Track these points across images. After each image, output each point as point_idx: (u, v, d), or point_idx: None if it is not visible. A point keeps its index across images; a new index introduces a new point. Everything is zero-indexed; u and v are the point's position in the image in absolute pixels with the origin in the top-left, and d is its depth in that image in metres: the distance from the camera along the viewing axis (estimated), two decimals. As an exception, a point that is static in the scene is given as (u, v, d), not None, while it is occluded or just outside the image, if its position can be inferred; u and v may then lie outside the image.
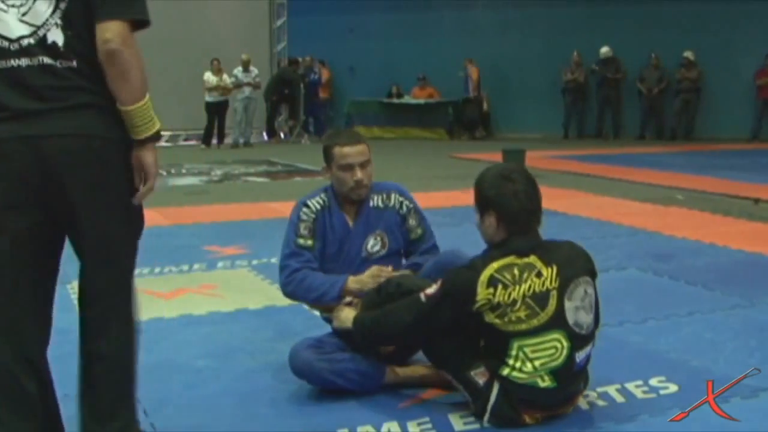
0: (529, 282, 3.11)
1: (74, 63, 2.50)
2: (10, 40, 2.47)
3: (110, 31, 2.45)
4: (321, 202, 3.75)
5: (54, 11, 2.48)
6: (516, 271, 3.11)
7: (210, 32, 17.56)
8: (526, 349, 3.10)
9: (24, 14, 2.47)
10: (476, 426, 3.17)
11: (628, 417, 3.26)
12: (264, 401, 3.41)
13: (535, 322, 3.09)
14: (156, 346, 4.18)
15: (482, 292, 3.08)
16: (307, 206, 3.73)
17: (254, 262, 6.06)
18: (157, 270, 5.86)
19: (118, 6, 2.48)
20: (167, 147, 17.50)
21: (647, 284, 5.42)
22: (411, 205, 3.82)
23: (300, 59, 18.94)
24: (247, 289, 5.36)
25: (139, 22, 2.54)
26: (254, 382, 3.64)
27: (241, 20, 18.27)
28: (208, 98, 16.65)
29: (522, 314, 3.08)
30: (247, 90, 17.15)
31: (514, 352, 3.10)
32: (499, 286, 3.08)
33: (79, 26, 2.49)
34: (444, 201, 8.62)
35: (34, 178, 2.50)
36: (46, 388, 2.88)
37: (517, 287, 3.09)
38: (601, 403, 3.39)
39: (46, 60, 2.48)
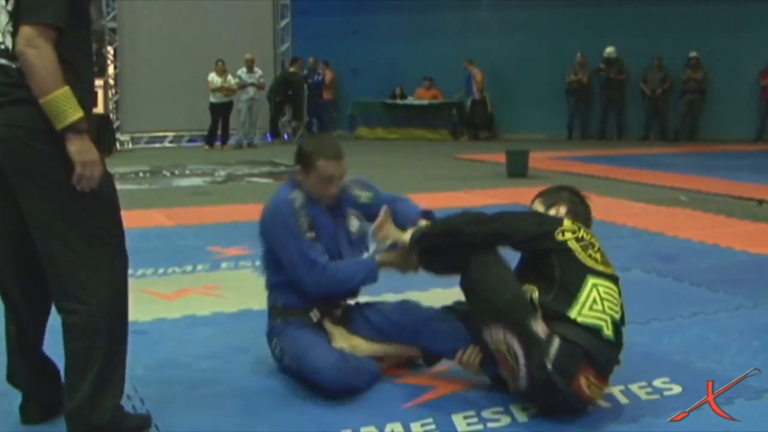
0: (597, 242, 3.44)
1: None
2: None
3: (20, 35, 2.78)
4: (300, 197, 3.70)
5: (8, 21, 2.86)
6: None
7: (214, 33, 17.57)
8: (600, 288, 3.25)
9: None
10: (480, 426, 3.18)
11: (631, 418, 3.26)
12: (268, 402, 3.41)
13: (608, 270, 3.36)
14: (159, 346, 4.19)
15: (568, 223, 3.43)
16: (291, 203, 3.67)
17: (257, 262, 6.00)
18: (160, 270, 5.86)
19: (27, 13, 2.78)
20: (171, 147, 17.55)
21: (651, 285, 5.42)
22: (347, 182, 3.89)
23: (301, 59, 18.91)
24: (251, 289, 5.34)
25: (54, 25, 2.79)
26: (258, 382, 3.64)
27: (245, 21, 18.28)
28: (213, 99, 16.66)
29: (598, 256, 3.36)
30: (251, 91, 17.16)
31: (588, 288, 3.23)
32: (582, 228, 3.44)
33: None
34: (448, 202, 8.60)
35: None
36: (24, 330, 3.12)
37: (593, 237, 3.45)
38: (604, 404, 3.38)
39: (2, 61, 2.87)
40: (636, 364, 3.79)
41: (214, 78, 16.53)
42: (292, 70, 18.36)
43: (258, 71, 17.28)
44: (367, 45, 19.85)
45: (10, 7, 2.85)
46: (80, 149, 2.81)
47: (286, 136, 19.06)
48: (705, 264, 5.99)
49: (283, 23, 19.32)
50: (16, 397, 3.21)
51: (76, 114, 2.79)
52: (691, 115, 17.95)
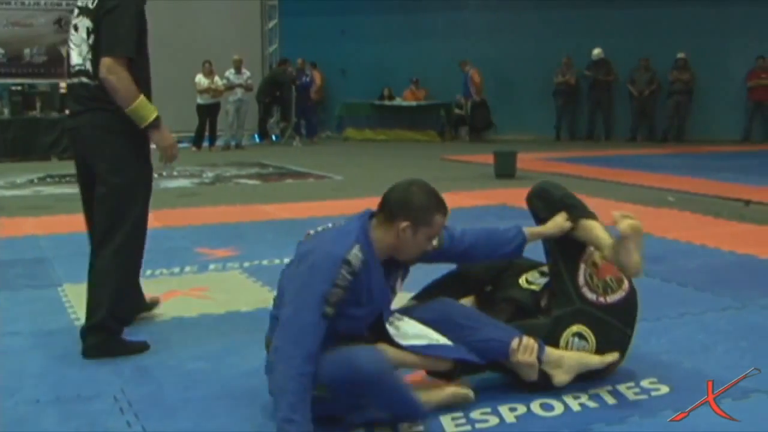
0: None
1: (96, 82, 4.06)
2: (72, 67, 4.19)
3: (102, 65, 3.98)
4: (360, 257, 3.11)
5: (88, 51, 4.10)
6: None
7: (202, 34, 17.53)
8: None
9: (79, 53, 4.15)
10: (468, 428, 3.18)
11: (619, 418, 3.26)
12: (256, 403, 3.39)
13: None
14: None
15: None
16: (349, 264, 3.07)
17: (246, 264, 6.06)
18: (148, 272, 5.82)
19: (109, 47, 4.00)
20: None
21: (639, 286, 5.39)
22: None
23: (289, 60, 18.89)
24: (239, 291, 5.35)
25: (127, 56, 4.02)
26: (246, 384, 3.63)
27: (233, 22, 18.24)
28: (200, 100, 16.62)
29: None
30: (239, 92, 17.13)
31: None
32: None
33: (97, 60, 4.03)
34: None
35: (78, 152, 4.28)
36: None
37: None
38: (592, 404, 3.39)
39: (84, 80, 4.14)
40: (624, 364, 3.79)
41: (201, 79, 16.49)
42: (283, 75, 18.33)
43: (246, 72, 17.25)
44: (355, 46, 19.85)
45: (91, 42, 4.08)
46: (160, 138, 4.23)
47: (273, 137, 19.05)
48: (692, 264, 6.00)
49: (271, 24, 19.30)
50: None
51: (152, 115, 4.10)
52: (679, 116, 18.01)
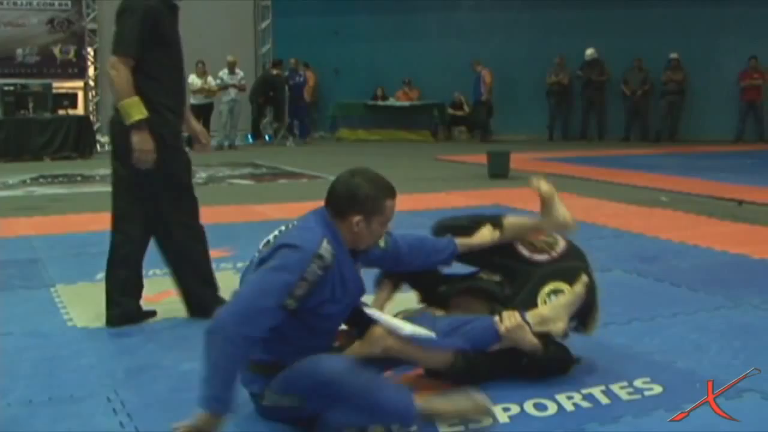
0: None
1: None
2: None
3: (108, 61, 4.57)
4: (331, 251, 3.07)
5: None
6: None
7: (195, 34, 17.42)
8: None
9: None
10: (461, 428, 3.17)
11: (612, 418, 3.26)
12: (250, 404, 3.39)
13: None
14: (140, 349, 4.18)
15: None
16: (321, 258, 3.03)
17: (239, 264, 6.04)
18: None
19: (113, 46, 4.41)
20: (152, 149, 17.47)
21: (632, 286, 5.43)
22: None
23: (283, 61, 18.87)
24: (232, 291, 5.34)
25: (127, 54, 4.34)
26: (239, 385, 3.62)
27: (226, 22, 18.23)
28: (193, 100, 16.56)
29: None
30: (232, 92, 17.13)
31: None
32: None
33: None
34: (429, 203, 8.64)
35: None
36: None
37: None
38: (585, 404, 3.39)
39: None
40: (617, 364, 3.80)
41: (194, 79, 16.48)
42: (275, 72, 18.32)
43: (239, 73, 17.23)
44: (348, 46, 19.83)
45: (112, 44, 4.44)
46: (138, 140, 4.33)
47: (267, 138, 19.04)
48: (685, 264, 6.02)
49: (264, 24, 19.29)
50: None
51: (138, 116, 4.30)
52: (672, 116, 18.04)
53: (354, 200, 3.15)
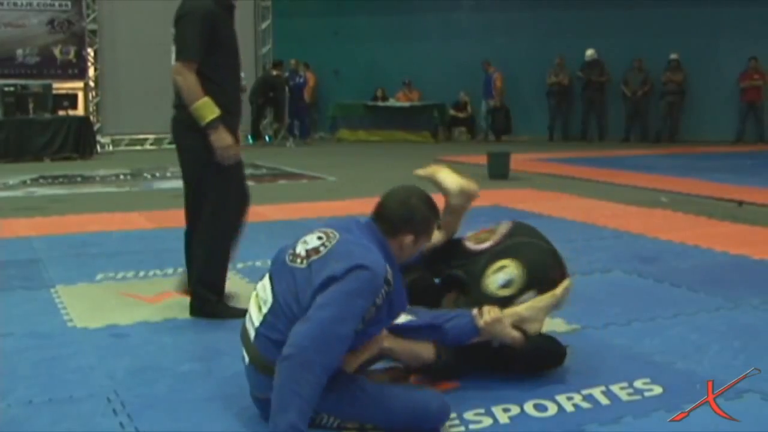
0: None
1: None
2: None
3: (173, 68, 4.53)
4: (392, 275, 3.07)
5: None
6: None
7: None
8: None
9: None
10: (461, 429, 3.18)
11: (612, 419, 3.26)
12: (250, 405, 3.39)
13: None
14: (140, 349, 4.18)
15: None
16: (389, 284, 3.03)
17: (239, 265, 6.04)
18: (141, 273, 5.84)
19: (177, 53, 4.54)
20: (152, 150, 17.48)
21: (632, 286, 5.44)
22: None
23: (283, 62, 18.86)
24: (232, 292, 5.34)
25: (192, 59, 4.49)
26: (240, 385, 3.61)
27: (226, 23, 18.21)
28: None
29: None
30: (232, 93, 17.09)
31: None
32: None
33: None
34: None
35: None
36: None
37: None
38: (585, 405, 3.39)
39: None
40: (617, 364, 3.81)
41: (194, 80, 16.45)
42: (275, 73, 18.31)
43: (239, 73, 17.21)
44: (349, 47, 19.83)
45: (175, 50, 4.56)
46: (216, 138, 4.47)
47: (267, 138, 19.03)
48: (686, 265, 6.02)
49: (264, 25, 19.26)
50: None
51: (211, 116, 4.44)
52: (672, 116, 18.04)
53: (411, 222, 3.19)
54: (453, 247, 3.96)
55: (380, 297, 3.00)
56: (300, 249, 3.17)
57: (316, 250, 3.12)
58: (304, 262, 3.11)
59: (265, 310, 3.15)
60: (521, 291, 3.59)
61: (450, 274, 3.90)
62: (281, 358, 2.87)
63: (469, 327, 3.46)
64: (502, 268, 3.66)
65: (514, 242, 3.79)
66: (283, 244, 3.31)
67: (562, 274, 3.72)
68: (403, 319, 3.41)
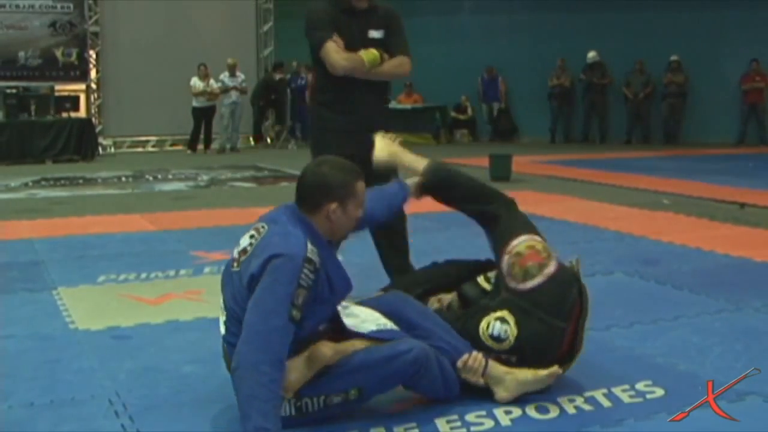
0: None
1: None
2: None
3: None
4: (315, 254, 3.05)
5: None
6: None
7: (197, 37, 17.53)
8: None
9: None
10: (463, 431, 3.18)
11: (614, 421, 3.26)
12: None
13: None
14: (142, 351, 4.18)
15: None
16: (310, 262, 3.02)
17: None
18: (143, 275, 5.84)
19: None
20: (154, 152, 17.50)
21: (634, 289, 5.43)
22: None
23: (285, 64, 18.86)
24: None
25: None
26: (241, 387, 3.63)
27: (228, 25, 18.23)
28: (195, 103, 16.62)
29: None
30: (233, 95, 17.12)
31: None
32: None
33: None
34: (431, 205, 8.61)
35: None
36: None
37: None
38: (587, 407, 3.39)
39: None
40: (619, 367, 3.80)
41: (196, 82, 16.49)
42: (277, 75, 18.32)
43: (240, 75, 17.23)
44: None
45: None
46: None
47: (269, 140, 19.04)
48: (687, 267, 6.01)
49: (265, 27, 19.26)
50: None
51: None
52: (673, 118, 18.04)
53: (326, 190, 3.18)
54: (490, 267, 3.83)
55: (305, 278, 2.99)
56: (235, 252, 3.25)
57: (244, 250, 3.20)
58: (238, 264, 3.19)
59: (223, 318, 3.23)
60: (504, 352, 3.48)
61: (464, 292, 3.83)
62: (231, 372, 2.95)
63: (449, 357, 3.39)
64: (503, 320, 3.49)
65: (527, 309, 3.50)
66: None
67: (570, 355, 3.58)
68: (372, 327, 3.35)
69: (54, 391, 3.63)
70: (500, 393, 3.40)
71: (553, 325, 3.48)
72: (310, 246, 3.04)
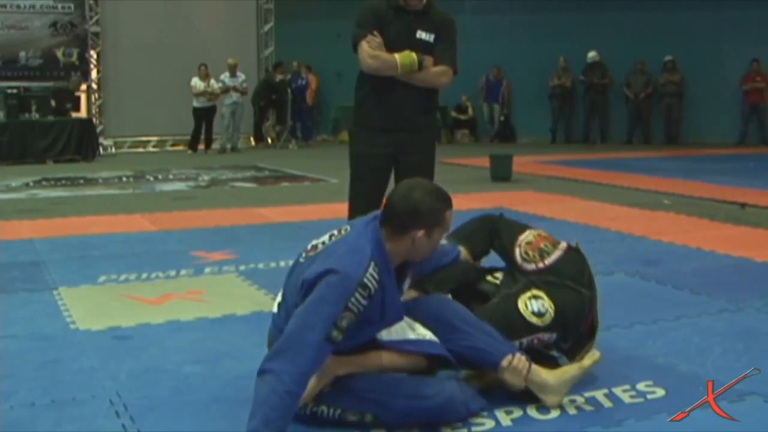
0: None
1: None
2: None
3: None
4: (376, 278, 3.00)
5: None
6: None
7: (197, 37, 17.54)
8: None
9: None
10: (464, 431, 3.17)
11: (615, 422, 3.26)
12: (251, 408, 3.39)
13: None
14: (143, 352, 4.17)
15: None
16: (364, 288, 2.97)
17: (241, 267, 6.05)
18: (144, 276, 5.84)
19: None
20: (155, 152, 17.50)
21: (634, 289, 5.43)
22: None
23: (285, 64, 18.87)
24: (235, 294, 5.35)
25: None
26: (242, 388, 3.61)
27: (229, 25, 18.24)
28: (196, 103, 16.61)
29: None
30: (234, 95, 17.11)
31: None
32: None
33: None
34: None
35: None
36: None
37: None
38: (588, 407, 3.39)
39: None
40: (619, 367, 3.80)
41: (197, 82, 16.49)
42: (277, 75, 18.31)
43: (241, 76, 17.23)
44: (351, 50, 19.73)
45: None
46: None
47: (269, 141, 19.05)
48: (688, 267, 6.01)
49: (266, 28, 19.27)
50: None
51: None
52: (671, 118, 18.04)
53: (417, 216, 3.11)
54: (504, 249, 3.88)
55: (354, 303, 2.94)
56: (311, 243, 3.25)
57: (315, 247, 3.20)
58: (305, 258, 3.20)
59: (279, 299, 3.30)
60: (547, 328, 3.57)
61: (478, 288, 3.84)
62: (257, 374, 2.94)
63: (489, 362, 3.36)
64: (536, 297, 3.59)
65: (554, 281, 3.66)
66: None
67: (591, 330, 3.71)
68: (411, 335, 3.32)
69: (55, 391, 3.63)
70: (550, 399, 3.35)
71: (581, 291, 3.68)
72: (371, 271, 2.99)
